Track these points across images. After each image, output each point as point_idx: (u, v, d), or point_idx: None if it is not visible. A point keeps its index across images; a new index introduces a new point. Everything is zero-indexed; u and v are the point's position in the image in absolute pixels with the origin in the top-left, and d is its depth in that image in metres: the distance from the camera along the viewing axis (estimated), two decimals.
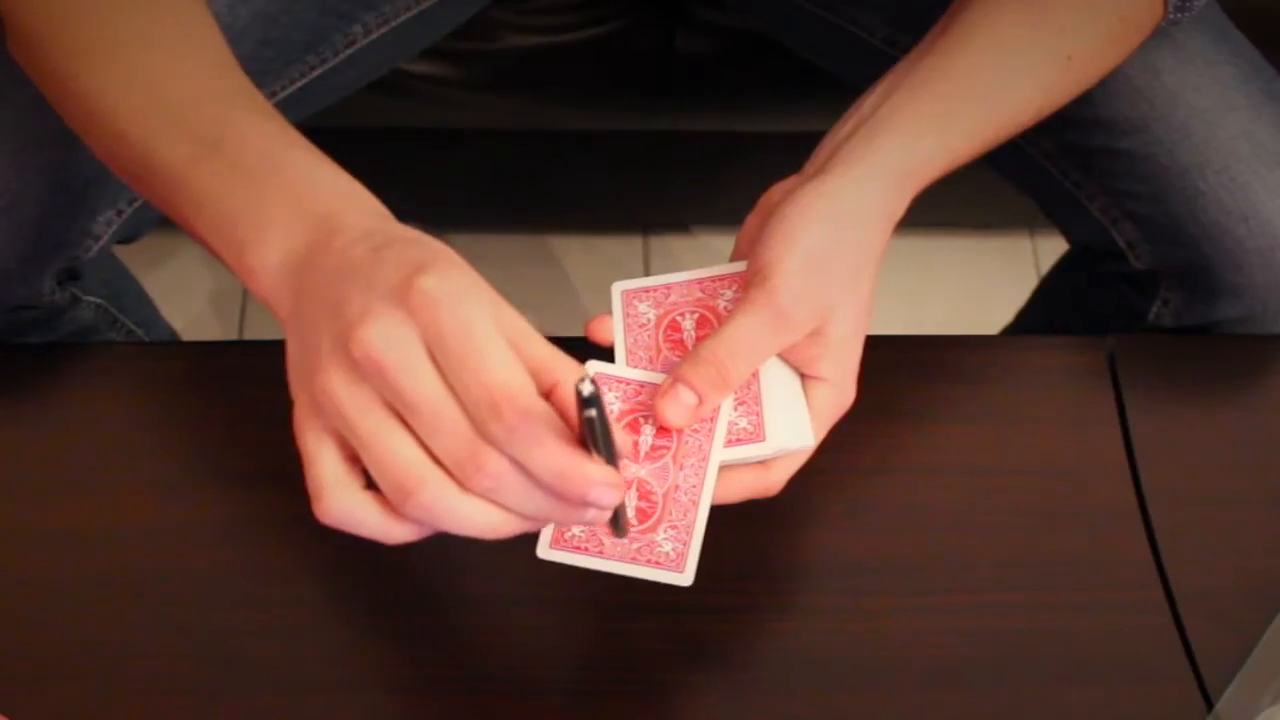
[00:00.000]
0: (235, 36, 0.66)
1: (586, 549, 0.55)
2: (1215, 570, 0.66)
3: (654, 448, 0.56)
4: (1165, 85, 0.74)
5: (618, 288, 0.62)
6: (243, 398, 0.70)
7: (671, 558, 0.54)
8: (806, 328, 0.57)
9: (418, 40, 0.92)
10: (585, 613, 0.64)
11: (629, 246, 1.51)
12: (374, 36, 0.85)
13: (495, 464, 0.44)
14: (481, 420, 0.44)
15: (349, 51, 0.84)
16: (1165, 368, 0.74)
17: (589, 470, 0.44)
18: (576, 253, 1.49)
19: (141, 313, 0.91)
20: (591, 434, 0.43)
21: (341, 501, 0.46)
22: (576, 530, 0.54)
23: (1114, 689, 0.62)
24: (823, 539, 0.66)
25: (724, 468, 0.57)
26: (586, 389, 0.41)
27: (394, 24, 0.86)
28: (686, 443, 0.56)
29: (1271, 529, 0.68)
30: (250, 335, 1.41)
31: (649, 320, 0.61)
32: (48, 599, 0.63)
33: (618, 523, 0.50)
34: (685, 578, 0.54)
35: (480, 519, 0.46)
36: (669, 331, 0.61)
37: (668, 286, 0.61)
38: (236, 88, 0.56)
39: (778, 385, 0.58)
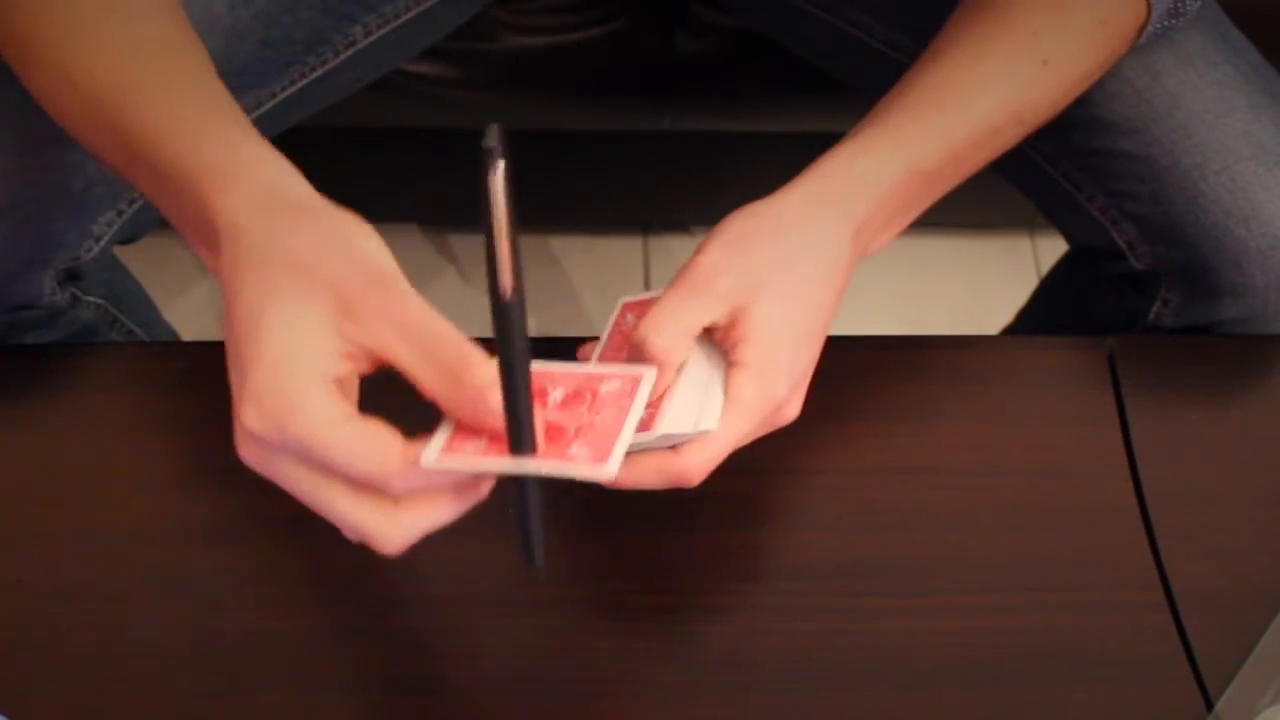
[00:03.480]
0: (236, 37, 0.66)
1: (485, 455, 0.48)
2: (1215, 570, 0.66)
3: (564, 402, 0.52)
4: (1165, 86, 0.74)
5: (620, 301, 0.63)
6: None
7: (591, 456, 0.48)
8: (728, 299, 0.57)
9: (418, 40, 0.92)
10: (585, 613, 0.64)
11: (629, 246, 1.51)
12: (374, 37, 0.85)
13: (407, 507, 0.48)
14: (377, 487, 0.47)
15: (349, 52, 0.84)
16: (1165, 368, 0.74)
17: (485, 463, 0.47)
18: (576, 253, 1.49)
19: (141, 313, 0.91)
20: (484, 206, 0.41)
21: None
22: (473, 446, 0.48)
23: (1114, 689, 0.62)
24: (822, 539, 0.66)
25: (632, 453, 0.56)
26: (489, 141, 0.39)
27: (394, 24, 0.86)
28: (602, 399, 0.52)
29: (1271, 529, 0.68)
30: None
31: (631, 327, 0.62)
32: (48, 599, 0.63)
33: (520, 438, 0.47)
34: (607, 470, 0.48)
35: (434, 521, 0.49)
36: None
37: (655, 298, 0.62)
38: (133, 71, 0.56)
39: (686, 373, 0.57)
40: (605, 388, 0.53)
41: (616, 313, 0.63)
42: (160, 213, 0.57)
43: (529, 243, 1.48)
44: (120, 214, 0.76)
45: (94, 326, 0.83)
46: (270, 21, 0.77)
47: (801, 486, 0.67)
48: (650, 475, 0.56)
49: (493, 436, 0.48)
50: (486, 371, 0.46)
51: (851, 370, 0.63)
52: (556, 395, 0.52)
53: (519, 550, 0.52)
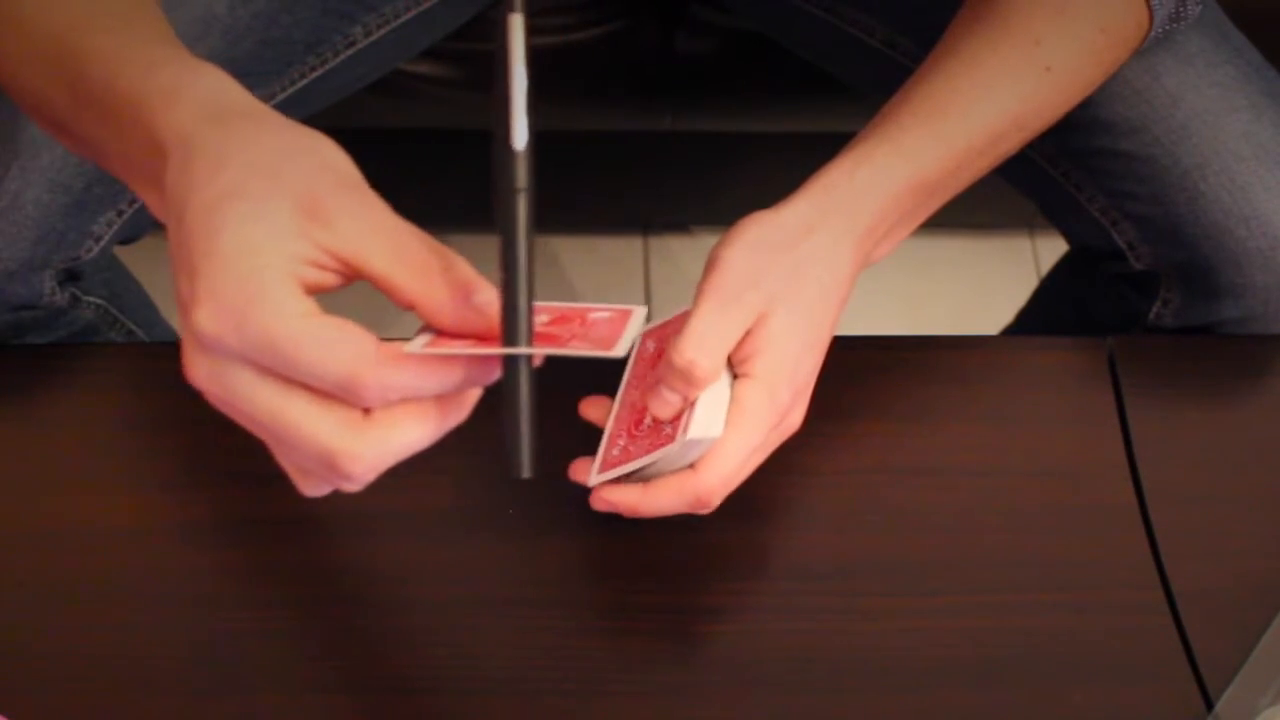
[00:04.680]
0: (236, 36, 0.66)
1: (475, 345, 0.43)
2: (1215, 570, 0.66)
3: (552, 322, 0.48)
4: (1165, 86, 0.74)
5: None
6: None
7: (593, 346, 0.45)
8: (755, 311, 0.58)
9: (418, 40, 0.92)
10: (585, 613, 0.64)
11: (629, 246, 1.51)
12: (374, 37, 0.85)
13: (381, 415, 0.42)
14: (347, 394, 0.41)
15: (349, 52, 0.84)
16: (1165, 368, 0.74)
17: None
18: (576, 253, 1.49)
19: (141, 313, 0.91)
20: (500, 53, 0.39)
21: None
22: (460, 346, 0.43)
23: (1114, 689, 0.62)
24: (823, 539, 0.66)
25: (652, 480, 0.58)
26: None
27: (394, 24, 0.86)
28: (591, 324, 0.49)
29: (1271, 529, 0.68)
30: None
31: (650, 352, 0.63)
32: (47, 599, 0.63)
33: (515, 327, 0.42)
34: (616, 351, 0.44)
35: (409, 440, 0.43)
36: (654, 359, 0.63)
37: (674, 320, 0.63)
38: (94, 11, 0.52)
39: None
40: (594, 315, 0.49)
41: (637, 344, 0.63)
42: (108, 168, 0.52)
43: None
44: (120, 214, 0.76)
45: (94, 326, 0.83)
46: (270, 21, 0.77)
47: (802, 486, 0.67)
48: (670, 497, 0.58)
49: (481, 339, 0.43)
50: (469, 269, 0.43)
51: (852, 370, 0.63)
52: (542, 318, 0.47)
53: (505, 461, 0.43)
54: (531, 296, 0.42)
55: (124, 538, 0.65)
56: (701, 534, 0.64)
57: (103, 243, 0.76)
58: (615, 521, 0.62)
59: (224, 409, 0.43)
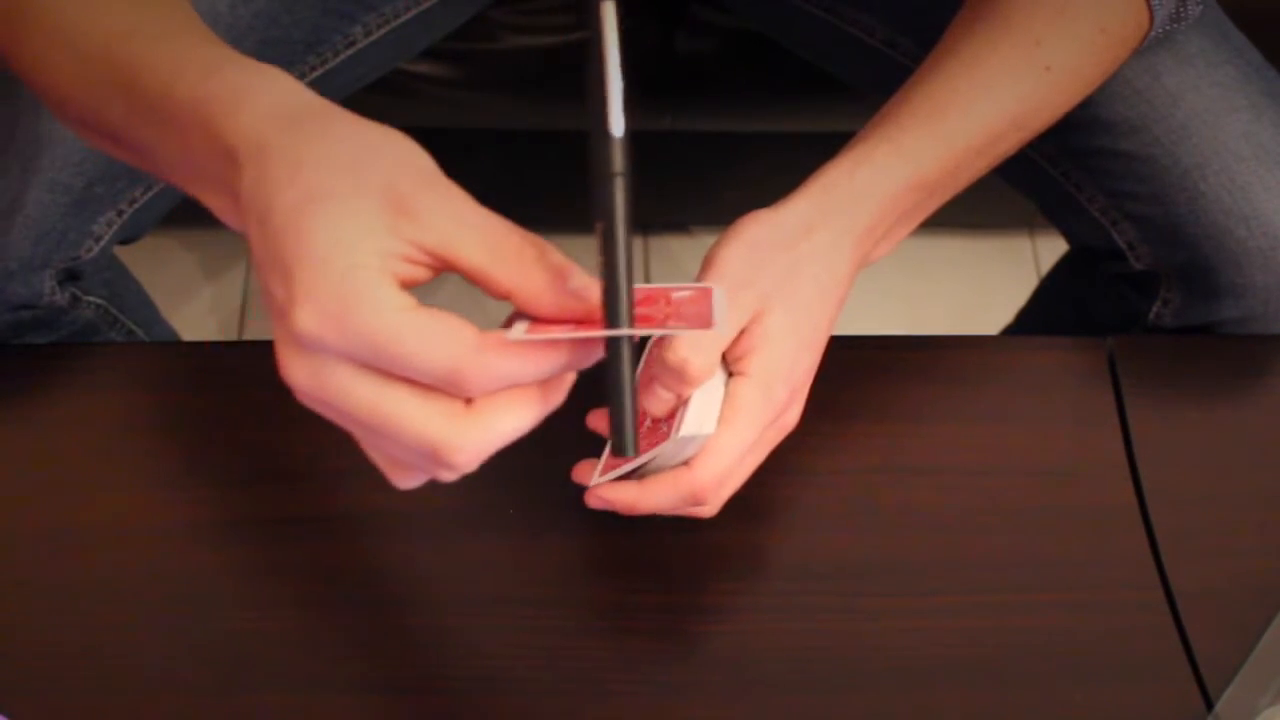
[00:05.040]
0: (236, 37, 0.66)
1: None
2: (1215, 570, 0.66)
3: (641, 301, 0.48)
4: (1165, 86, 0.74)
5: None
6: (243, 398, 0.70)
7: (689, 324, 0.45)
8: (749, 312, 0.58)
9: (418, 40, 0.92)
10: (585, 613, 0.64)
11: None
12: (374, 37, 0.85)
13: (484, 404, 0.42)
14: (450, 385, 0.41)
15: (349, 52, 0.84)
16: (1165, 368, 0.74)
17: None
18: (577, 253, 1.49)
19: (141, 313, 0.91)
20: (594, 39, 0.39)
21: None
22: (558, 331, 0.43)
23: (1114, 689, 0.62)
24: (823, 539, 0.66)
25: (647, 477, 0.58)
26: None
27: (394, 24, 0.86)
28: (677, 304, 0.49)
29: (1271, 529, 0.68)
30: (250, 335, 1.41)
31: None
32: (48, 599, 0.63)
33: (617, 308, 0.42)
34: (715, 328, 0.45)
35: (511, 426, 0.43)
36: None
37: None
38: (140, 19, 0.52)
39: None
40: (677, 295, 0.49)
41: (647, 350, 0.63)
42: (167, 177, 0.51)
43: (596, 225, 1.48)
44: (120, 214, 0.76)
45: (94, 326, 0.83)
46: (270, 21, 0.77)
47: (802, 486, 0.67)
48: (665, 493, 0.58)
49: (577, 323, 0.43)
50: (560, 255, 0.43)
51: (852, 370, 0.63)
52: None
53: (614, 442, 0.44)
54: (631, 279, 0.42)
55: (124, 538, 0.65)
56: (701, 534, 0.64)
57: (103, 243, 0.76)
58: (615, 521, 0.62)
59: (319, 408, 0.43)
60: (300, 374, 0.42)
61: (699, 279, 0.59)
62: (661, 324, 0.44)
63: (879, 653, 0.63)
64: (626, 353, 0.43)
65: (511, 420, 0.43)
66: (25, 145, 0.70)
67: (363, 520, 0.66)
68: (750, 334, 0.58)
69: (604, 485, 0.60)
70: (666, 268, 1.49)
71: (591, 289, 0.43)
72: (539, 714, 0.61)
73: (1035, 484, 0.68)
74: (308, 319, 0.40)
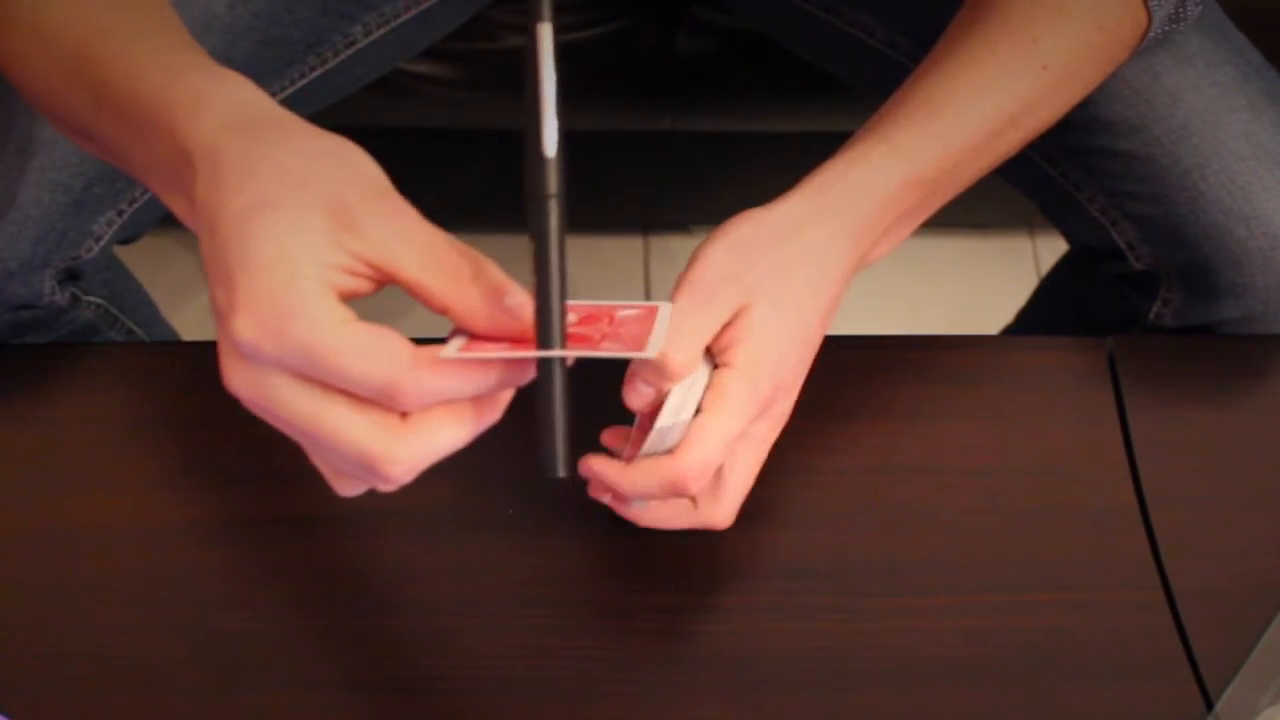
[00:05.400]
0: (235, 36, 0.66)
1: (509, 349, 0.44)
2: (1215, 570, 0.66)
3: (582, 321, 0.50)
4: (1165, 86, 0.74)
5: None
6: None
7: (624, 346, 0.46)
8: (730, 306, 0.58)
9: (418, 40, 0.92)
10: (585, 613, 0.64)
11: (629, 246, 1.51)
12: (374, 37, 0.85)
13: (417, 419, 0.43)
14: (385, 400, 0.42)
15: (349, 52, 0.84)
16: (1165, 368, 0.74)
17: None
18: (577, 253, 1.49)
19: (141, 313, 0.91)
20: (529, 61, 0.41)
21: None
22: (494, 349, 0.44)
23: (1114, 689, 0.62)
24: (822, 539, 0.66)
25: (634, 464, 0.57)
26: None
27: (394, 24, 0.86)
28: (620, 322, 0.50)
29: (1271, 529, 0.68)
30: None
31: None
32: (47, 599, 0.63)
33: (550, 331, 0.43)
34: (648, 352, 0.47)
35: (446, 442, 0.44)
36: None
37: None
38: (117, 19, 0.53)
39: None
40: (622, 314, 0.51)
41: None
42: (133, 174, 0.52)
43: (529, 242, 1.48)
44: (120, 214, 0.76)
45: (94, 326, 0.83)
46: (270, 21, 0.77)
47: (801, 486, 0.67)
48: (651, 480, 0.57)
49: (513, 341, 0.44)
50: (500, 273, 0.44)
51: (851, 370, 0.63)
52: (570, 318, 0.48)
53: (540, 460, 0.44)
54: (564, 299, 0.43)
55: (124, 538, 0.65)
56: (701, 534, 0.64)
57: (103, 243, 0.76)
58: (615, 521, 0.63)
59: (261, 414, 0.44)
60: (240, 381, 0.43)
61: (681, 275, 0.59)
62: (595, 345, 0.45)
63: (879, 653, 0.63)
64: (559, 373, 0.43)
65: (446, 436, 0.43)
66: (24, 145, 0.70)
67: (362, 520, 0.66)
68: (735, 327, 0.58)
69: (593, 455, 0.60)
70: (666, 268, 1.49)
71: (526, 307, 0.43)
72: (539, 714, 0.61)
73: (1035, 484, 0.68)
74: (246, 327, 0.41)
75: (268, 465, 0.68)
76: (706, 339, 0.58)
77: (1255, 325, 0.76)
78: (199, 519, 0.66)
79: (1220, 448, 0.70)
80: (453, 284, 0.43)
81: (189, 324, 1.39)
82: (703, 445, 0.57)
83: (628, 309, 0.51)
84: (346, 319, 0.41)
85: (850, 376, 0.63)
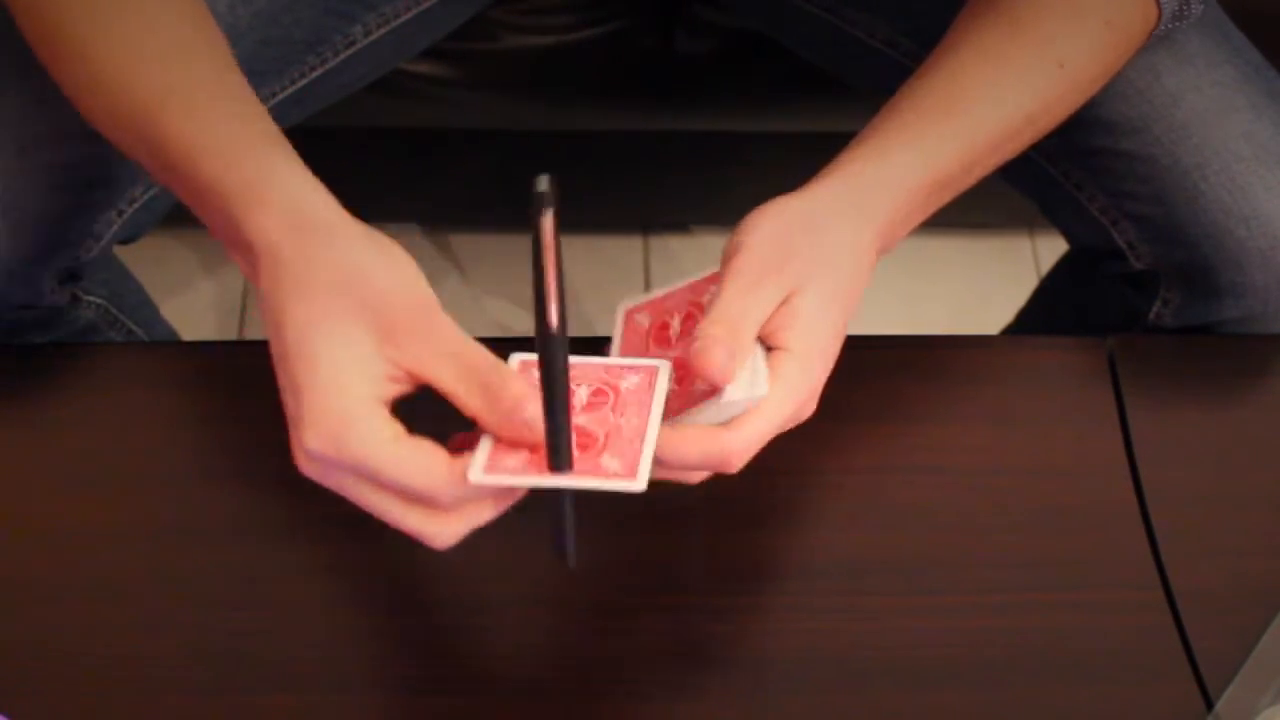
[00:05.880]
0: (235, 36, 0.66)
1: (525, 472, 0.51)
2: (1215, 570, 0.66)
3: (589, 403, 0.54)
4: (1166, 86, 0.74)
5: (621, 308, 0.63)
6: (243, 398, 0.70)
7: (619, 472, 0.51)
8: (782, 291, 0.57)
9: (418, 40, 0.92)
10: (585, 613, 0.64)
11: (629, 246, 1.51)
12: (374, 37, 0.85)
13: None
14: (426, 503, 0.51)
15: (349, 51, 0.84)
16: (1165, 368, 0.74)
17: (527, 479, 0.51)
18: (577, 253, 1.49)
19: (141, 313, 0.91)
20: (535, 248, 0.45)
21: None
22: (512, 461, 0.51)
23: (1114, 689, 0.62)
24: (823, 539, 0.66)
25: (678, 424, 0.56)
26: (541, 188, 0.44)
27: (394, 24, 0.86)
28: (624, 397, 0.55)
29: (1271, 529, 0.68)
30: (250, 335, 1.41)
31: (644, 326, 0.62)
32: (48, 599, 0.63)
33: (559, 454, 0.50)
34: (638, 484, 0.51)
35: (479, 521, 0.53)
36: (658, 332, 0.61)
37: (665, 296, 0.62)
38: (172, 81, 0.57)
39: None
40: (625, 384, 0.55)
41: (621, 319, 0.63)
42: (191, 211, 0.58)
43: (529, 242, 1.48)
44: (120, 214, 0.76)
45: (94, 326, 0.83)
46: (270, 21, 0.77)
47: (802, 486, 0.67)
48: (695, 449, 0.55)
49: (531, 448, 0.50)
50: (520, 388, 0.50)
51: (852, 370, 0.63)
52: (581, 394, 0.54)
53: (553, 550, 0.55)
54: (569, 431, 0.49)
55: (124, 537, 0.65)
56: (702, 534, 0.64)
57: (103, 243, 0.76)
58: (616, 522, 0.63)
59: (327, 487, 0.52)
60: (309, 470, 0.51)
61: (727, 264, 0.58)
62: (595, 470, 0.51)
63: (880, 652, 0.63)
64: (568, 497, 0.53)
65: (479, 518, 0.52)
66: (26, 143, 0.70)
67: (362, 521, 0.65)
68: (784, 313, 0.57)
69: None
70: (666, 268, 1.49)
71: (538, 421, 0.49)
72: (539, 714, 0.61)
73: (1035, 484, 0.68)
74: (313, 439, 0.49)
75: (267, 465, 0.68)
76: (758, 324, 0.56)
77: (1255, 325, 0.76)
78: (199, 519, 0.66)
79: (1220, 448, 0.70)
80: (481, 399, 0.50)
81: (189, 323, 1.39)
82: (759, 424, 0.56)
83: (630, 373, 0.56)
84: (395, 436, 0.49)
85: (851, 376, 0.63)
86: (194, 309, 1.42)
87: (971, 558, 0.66)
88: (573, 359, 0.53)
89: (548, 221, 0.44)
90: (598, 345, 0.63)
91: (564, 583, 0.64)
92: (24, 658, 0.62)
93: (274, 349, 0.52)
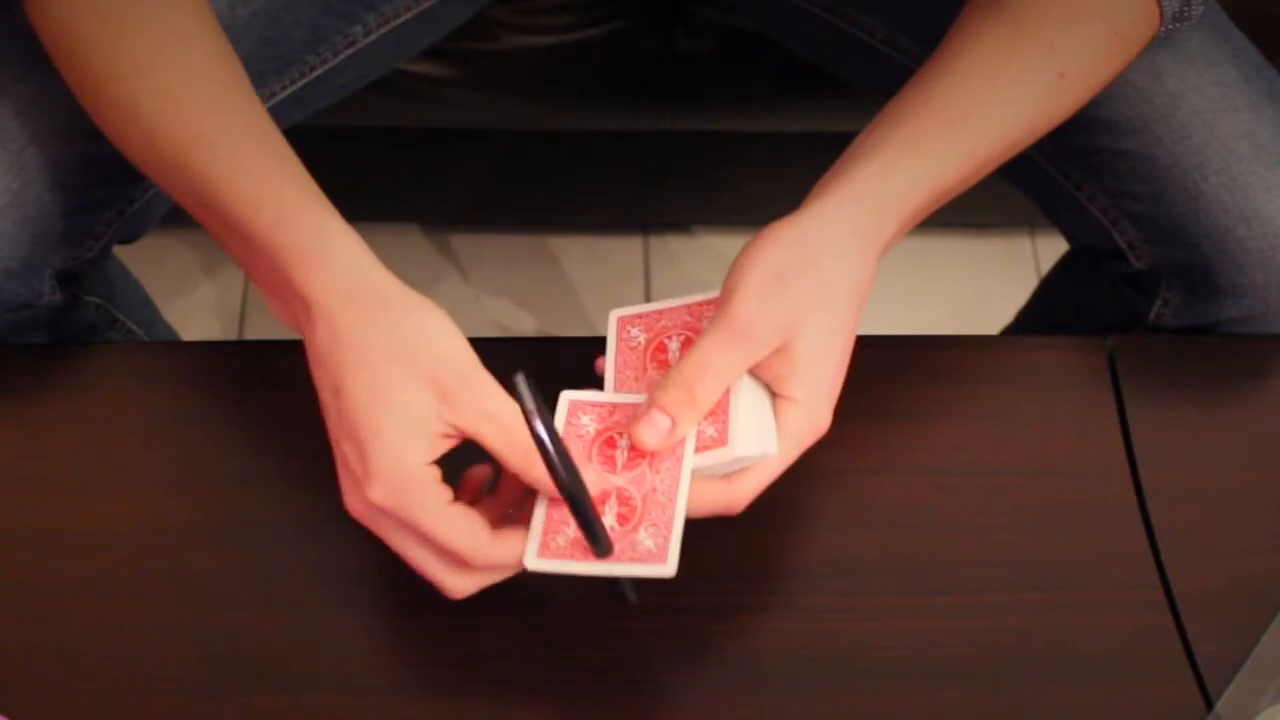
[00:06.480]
0: (235, 37, 0.66)
1: (573, 555, 0.57)
2: (1215, 570, 0.66)
3: (630, 459, 0.58)
4: (1166, 86, 0.74)
5: (614, 315, 0.64)
6: (242, 398, 0.70)
7: (653, 552, 0.56)
8: (770, 344, 0.58)
9: (418, 40, 0.92)
10: (585, 613, 0.64)
11: (629, 246, 1.51)
12: (374, 36, 0.85)
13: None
14: (458, 561, 0.57)
15: (349, 51, 0.84)
16: (1165, 368, 0.74)
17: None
18: (577, 253, 1.49)
19: (141, 313, 0.91)
20: (536, 440, 0.51)
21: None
22: (561, 540, 0.57)
23: (1114, 689, 0.62)
24: (823, 539, 0.66)
25: (692, 479, 0.58)
26: (526, 403, 0.49)
27: (394, 24, 0.86)
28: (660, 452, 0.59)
29: (1271, 529, 0.68)
30: (250, 335, 1.41)
31: (639, 343, 0.63)
32: (47, 599, 0.63)
33: (598, 543, 0.55)
34: (668, 569, 0.56)
35: (493, 580, 0.59)
36: (656, 353, 0.62)
37: (659, 312, 0.63)
38: (213, 133, 0.60)
39: (746, 397, 0.59)
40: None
41: (615, 329, 0.63)
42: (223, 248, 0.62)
43: (529, 242, 1.48)
44: (120, 214, 0.76)
45: (94, 326, 0.83)
46: (269, 21, 0.77)
47: (802, 486, 0.67)
48: (707, 505, 0.59)
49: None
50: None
51: (852, 370, 0.63)
52: (623, 445, 0.59)
53: (611, 594, 0.60)
54: (601, 525, 0.56)
55: (124, 537, 0.65)
56: (701, 534, 0.64)
57: (102, 242, 0.76)
58: None
59: (369, 528, 0.58)
60: (359, 511, 0.57)
61: (720, 309, 0.58)
62: (632, 552, 0.57)
63: (879, 652, 0.63)
64: (609, 576, 0.58)
65: (492, 579, 0.58)
66: (26, 143, 0.70)
67: None
68: (783, 360, 0.58)
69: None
70: (666, 268, 1.49)
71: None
72: (539, 714, 0.61)
73: (1035, 484, 0.68)
74: (377, 493, 0.55)
75: (267, 465, 0.68)
76: (731, 376, 0.58)
77: (1255, 325, 0.76)
78: (199, 519, 0.66)
79: (1220, 448, 0.70)
80: (523, 459, 0.56)
81: (188, 323, 1.40)
82: (763, 477, 0.59)
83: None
84: (446, 502, 0.55)
85: (851, 376, 0.63)
86: (194, 309, 1.43)
87: (971, 558, 0.66)
88: (599, 397, 0.61)
89: (539, 427, 0.50)
90: (598, 345, 0.63)
91: (563, 584, 0.64)
92: (24, 658, 0.62)
93: (331, 403, 0.57)
